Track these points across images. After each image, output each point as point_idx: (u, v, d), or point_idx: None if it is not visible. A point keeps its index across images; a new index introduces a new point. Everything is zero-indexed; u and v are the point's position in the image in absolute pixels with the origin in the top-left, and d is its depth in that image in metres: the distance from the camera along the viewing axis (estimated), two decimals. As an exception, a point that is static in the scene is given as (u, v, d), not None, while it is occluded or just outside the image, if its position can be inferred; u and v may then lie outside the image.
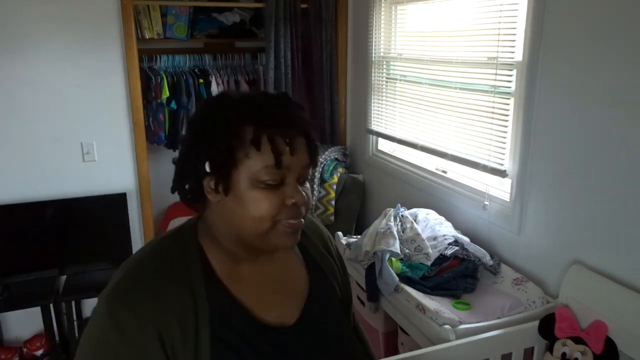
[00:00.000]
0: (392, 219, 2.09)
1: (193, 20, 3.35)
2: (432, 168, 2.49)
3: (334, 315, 0.96)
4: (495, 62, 1.94)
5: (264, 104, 0.83)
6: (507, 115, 1.92)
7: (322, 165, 2.99)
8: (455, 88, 2.21)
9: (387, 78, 2.78)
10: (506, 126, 1.93)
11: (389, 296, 1.87)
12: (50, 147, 2.80)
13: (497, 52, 1.92)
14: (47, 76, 2.72)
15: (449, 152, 2.27)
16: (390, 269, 1.88)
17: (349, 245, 2.22)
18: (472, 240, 2.06)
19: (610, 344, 1.47)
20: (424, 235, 2.01)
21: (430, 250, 1.94)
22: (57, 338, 2.89)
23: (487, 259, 1.93)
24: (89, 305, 3.09)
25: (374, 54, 2.85)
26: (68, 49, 2.72)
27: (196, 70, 3.36)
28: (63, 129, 2.80)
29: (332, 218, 3.00)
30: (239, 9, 3.48)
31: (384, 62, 2.80)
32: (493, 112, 1.98)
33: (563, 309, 1.60)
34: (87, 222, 2.83)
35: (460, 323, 1.62)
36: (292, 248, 0.94)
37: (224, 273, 0.85)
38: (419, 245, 1.97)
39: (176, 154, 4.11)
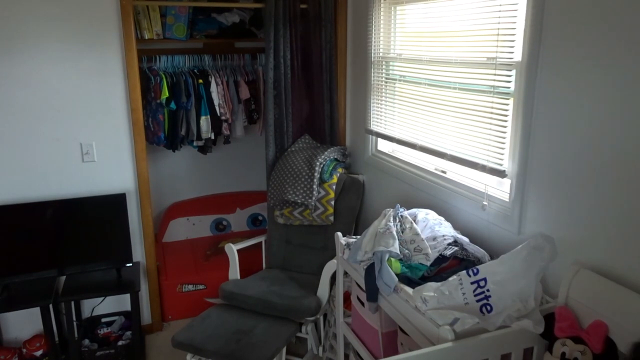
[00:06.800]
0: (391, 219, 2.09)
1: (192, 20, 3.35)
2: (431, 168, 2.49)
3: None
4: (494, 62, 1.94)
5: None
6: (506, 116, 1.92)
7: (322, 166, 2.99)
8: (455, 88, 2.21)
9: (386, 78, 2.78)
10: (505, 126, 1.93)
11: (389, 296, 1.88)
12: (50, 148, 2.80)
13: (496, 52, 1.93)
14: (46, 76, 2.72)
15: (448, 152, 2.27)
16: (390, 269, 1.88)
17: (348, 245, 2.22)
18: (472, 240, 2.06)
19: (610, 344, 1.47)
20: (423, 236, 2.01)
21: (429, 251, 1.94)
22: (56, 338, 2.89)
23: (486, 259, 1.93)
24: (89, 305, 3.10)
25: (374, 54, 2.85)
26: (67, 50, 2.72)
27: (195, 70, 3.37)
28: (62, 129, 2.81)
29: (332, 218, 3.00)
30: (239, 10, 3.49)
31: (383, 63, 2.80)
32: (492, 112, 1.98)
33: (562, 309, 1.60)
34: (86, 223, 2.83)
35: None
36: None
37: None
38: (418, 246, 1.97)
39: (176, 154, 4.04)
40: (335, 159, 3.12)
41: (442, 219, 2.17)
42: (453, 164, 2.26)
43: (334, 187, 3.01)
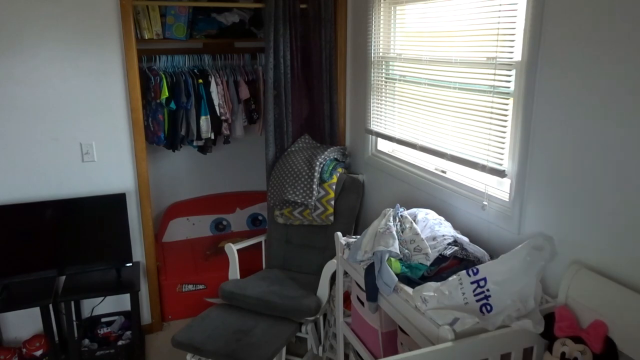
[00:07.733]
0: (391, 219, 2.09)
1: (192, 20, 3.35)
2: (431, 168, 2.49)
3: None
4: (494, 62, 1.94)
5: None
6: (506, 115, 1.92)
7: (322, 166, 2.99)
8: (454, 88, 2.21)
9: (386, 78, 2.78)
10: (505, 126, 1.93)
11: (389, 296, 1.88)
12: (50, 148, 2.80)
13: (496, 52, 1.92)
14: (46, 76, 2.72)
15: (448, 152, 2.27)
16: (390, 269, 1.88)
17: (348, 245, 2.22)
18: (472, 240, 2.06)
19: (609, 344, 1.47)
20: (423, 236, 2.01)
21: (429, 251, 1.94)
22: (56, 338, 2.89)
23: (486, 258, 1.93)
24: (88, 305, 3.10)
25: (373, 54, 2.85)
26: (67, 49, 2.72)
27: (195, 70, 3.37)
28: (62, 129, 2.81)
29: (332, 218, 3.00)
30: (238, 9, 3.49)
31: (383, 62, 2.80)
32: (492, 112, 1.98)
33: (562, 309, 1.60)
34: (86, 223, 2.83)
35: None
36: None
37: None
38: (418, 246, 1.97)
39: (176, 154, 4.04)
40: (335, 159, 3.12)
41: (442, 218, 2.17)
42: (453, 163, 2.26)
43: (334, 187, 3.01)
